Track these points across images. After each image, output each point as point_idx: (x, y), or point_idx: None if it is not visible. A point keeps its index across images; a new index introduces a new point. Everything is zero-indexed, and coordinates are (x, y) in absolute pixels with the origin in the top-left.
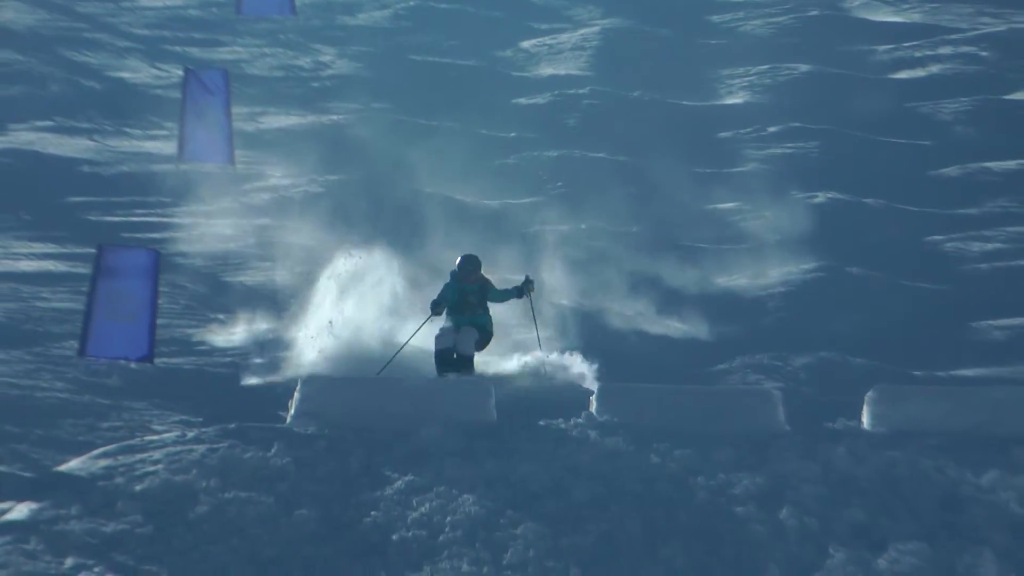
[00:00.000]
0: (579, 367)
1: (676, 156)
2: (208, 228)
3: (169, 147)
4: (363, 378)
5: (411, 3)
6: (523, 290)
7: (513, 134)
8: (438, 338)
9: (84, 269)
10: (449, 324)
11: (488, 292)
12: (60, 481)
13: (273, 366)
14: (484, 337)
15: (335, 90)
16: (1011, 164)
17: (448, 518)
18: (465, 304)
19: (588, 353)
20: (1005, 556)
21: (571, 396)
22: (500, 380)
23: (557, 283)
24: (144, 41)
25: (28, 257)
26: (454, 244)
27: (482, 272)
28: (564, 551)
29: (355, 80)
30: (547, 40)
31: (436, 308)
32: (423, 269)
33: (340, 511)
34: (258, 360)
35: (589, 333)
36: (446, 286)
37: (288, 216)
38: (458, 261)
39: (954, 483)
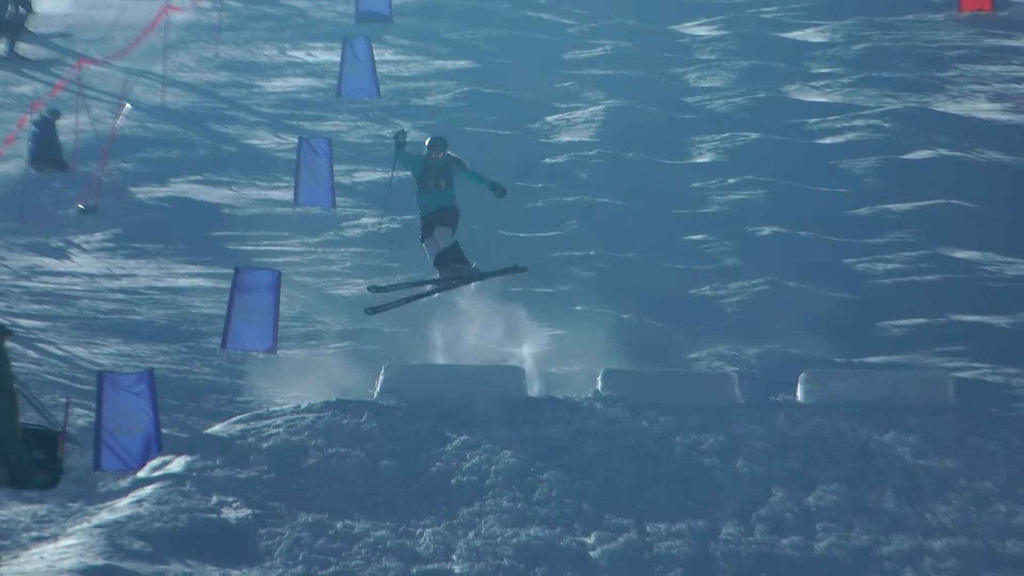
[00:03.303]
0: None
1: (660, 201)
2: (316, 255)
3: (287, 195)
4: (432, 365)
5: (465, 89)
6: (499, 191)
7: (540, 185)
8: (428, 249)
9: (224, 284)
10: (430, 237)
11: (453, 168)
12: (207, 441)
13: (365, 355)
14: (454, 215)
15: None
16: (906, 206)
17: (492, 467)
18: (428, 173)
19: (592, 342)
20: (902, 493)
21: (582, 377)
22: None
23: (571, 293)
24: (269, 117)
25: (184, 276)
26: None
27: (449, 152)
28: (578, 491)
29: (422, 146)
30: (565, 115)
31: (398, 137)
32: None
33: (413, 462)
34: (353, 350)
35: (593, 329)
36: (409, 158)
37: (375, 245)
38: (429, 141)
39: (864, 441)
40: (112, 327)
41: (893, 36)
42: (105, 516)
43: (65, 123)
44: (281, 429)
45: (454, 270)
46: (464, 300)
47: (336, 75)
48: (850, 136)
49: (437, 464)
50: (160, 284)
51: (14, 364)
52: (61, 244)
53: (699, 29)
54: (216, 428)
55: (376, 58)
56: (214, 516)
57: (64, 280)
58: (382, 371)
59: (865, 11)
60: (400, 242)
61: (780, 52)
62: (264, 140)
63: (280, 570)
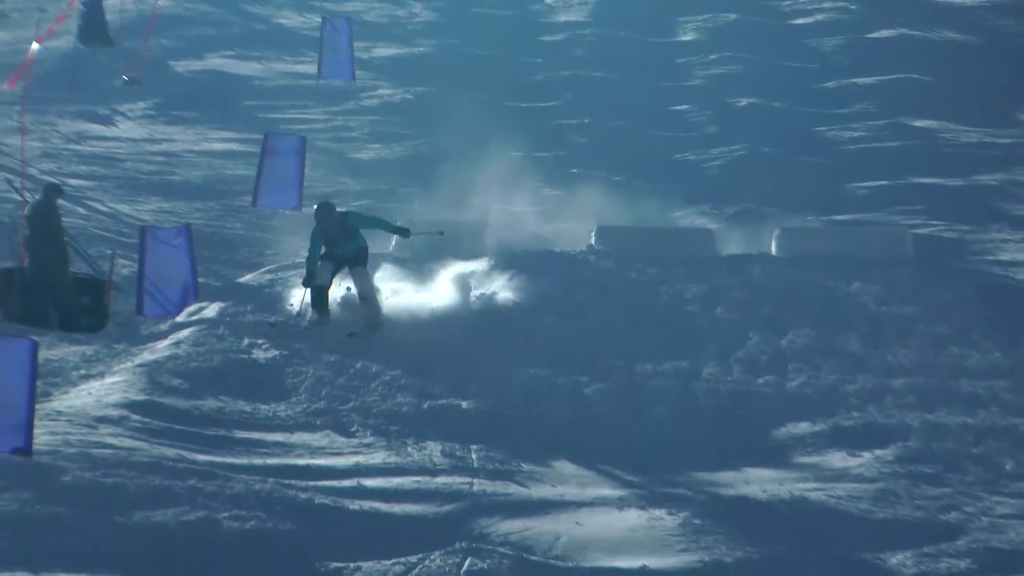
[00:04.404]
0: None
1: (648, 75)
2: (337, 122)
3: (311, 69)
4: (440, 220)
5: None
6: (403, 233)
7: (539, 60)
8: (318, 274)
9: (255, 149)
10: (327, 264)
11: (351, 220)
12: (239, 288)
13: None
14: (366, 255)
15: (422, 31)
16: (870, 80)
17: (496, 311)
18: (332, 240)
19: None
20: (866, 337)
21: (577, 233)
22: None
23: (567, 158)
24: None
25: (218, 141)
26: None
27: (339, 210)
28: (574, 335)
29: (435, 24)
30: None
31: (308, 283)
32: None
33: (419, 301)
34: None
35: (587, 189)
36: (312, 237)
37: (390, 115)
38: (315, 210)
39: (832, 290)
40: (153, 186)
41: None
42: (146, 356)
43: (111, 3)
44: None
45: (369, 325)
46: (467, 164)
47: None
48: (820, 17)
49: (445, 309)
50: (196, 148)
51: (65, 219)
52: (107, 112)
53: None
54: (247, 277)
55: None
56: (245, 356)
57: (110, 144)
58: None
59: None
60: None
61: None
62: (290, 19)
63: (304, 404)
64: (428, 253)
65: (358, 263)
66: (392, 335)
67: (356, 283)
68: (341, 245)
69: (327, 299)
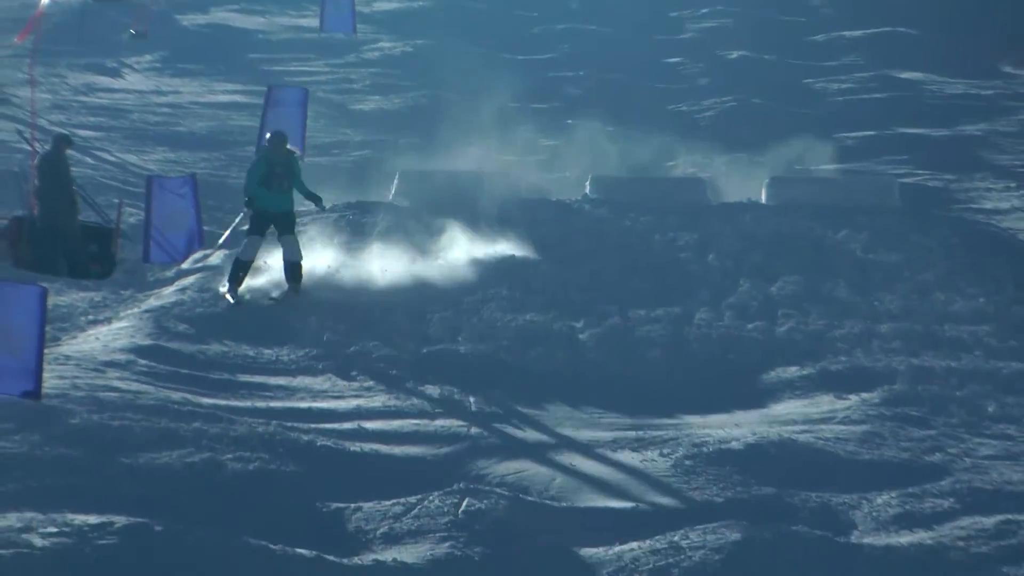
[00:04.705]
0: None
1: (641, 28)
2: (339, 75)
3: (313, 22)
4: (439, 170)
5: None
6: (316, 200)
7: (535, 14)
8: (244, 249)
9: (258, 100)
10: (255, 236)
11: (294, 167)
12: (243, 237)
13: (381, 162)
14: (292, 221)
15: None
16: (858, 33)
17: (494, 259)
18: (273, 175)
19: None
20: (853, 283)
21: (573, 182)
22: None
23: (564, 109)
24: None
25: (223, 92)
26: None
27: (290, 147)
28: (568, 281)
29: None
30: None
31: (249, 204)
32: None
33: (423, 255)
34: (371, 157)
35: (583, 139)
36: (255, 163)
37: (391, 67)
38: (268, 136)
39: (819, 238)
40: (160, 137)
41: None
42: (153, 302)
43: None
44: (308, 226)
45: (293, 290)
46: (466, 115)
47: None
48: None
49: (445, 257)
50: (202, 100)
51: (73, 169)
52: (115, 65)
53: None
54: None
55: None
56: (249, 302)
57: (117, 96)
58: (396, 176)
59: None
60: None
61: None
62: None
63: (306, 349)
64: (427, 202)
65: (287, 230)
66: (392, 283)
67: (285, 252)
68: (278, 185)
69: (244, 278)
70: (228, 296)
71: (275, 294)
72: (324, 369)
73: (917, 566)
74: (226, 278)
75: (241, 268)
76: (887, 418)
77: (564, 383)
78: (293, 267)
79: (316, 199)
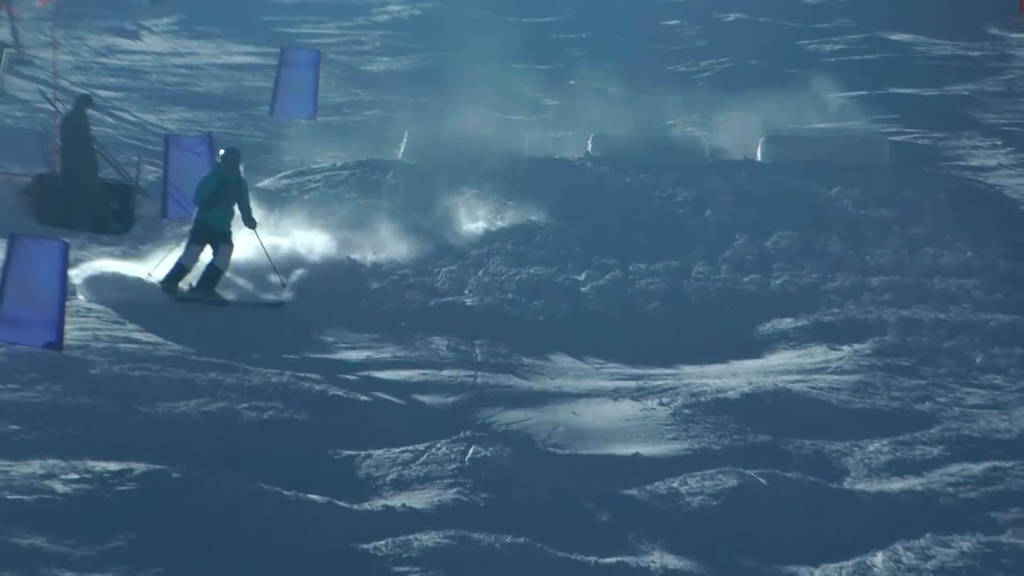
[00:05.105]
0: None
1: None
2: (350, 36)
3: None
4: (446, 129)
5: None
6: (250, 224)
7: None
8: (185, 255)
9: (272, 62)
10: (199, 247)
11: (242, 188)
12: (258, 193)
13: (391, 121)
14: (231, 235)
15: None
16: None
17: (499, 214)
18: (222, 193)
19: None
20: (845, 238)
21: (575, 141)
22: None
23: (566, 70)
24: None
25: (238, 54)
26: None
27: (240, 168)
28: (571, 236)
29: None
30: None
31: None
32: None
33: (431, 212)
34: (381, 116)
35: (585, 100)
36: (206, 177)
37: (400, 30)
38: (222, 153)
39: (813, 194)
40: (177, 97)
41: None
42: (171, 257)
43: None
44: (320, 183)
45: (212, 293)
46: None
47: None
48: None
49: (452, 213)
50: (218, 61)
51: (94, 128)
52: (134, 27)
53: None
54: (266, 182)
55: None
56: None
57: (136, 57)
58: (405, 135)
59: None
60: None
61: None
62: None
63: (318, 303)
64: (435, 160)
65: (224, 240)
66: (401, 236)
67: (216, 257)
68: (224, 203)
69: (181, 279)
70: (165, 291)
71: (185, 288)
72: (336, 321)
73: (907, 511)
74: (165, 275)
75: (182, 272)
76: (878, 368)
77: (567, 334)
78: (215, 273)
79: (252, 224)
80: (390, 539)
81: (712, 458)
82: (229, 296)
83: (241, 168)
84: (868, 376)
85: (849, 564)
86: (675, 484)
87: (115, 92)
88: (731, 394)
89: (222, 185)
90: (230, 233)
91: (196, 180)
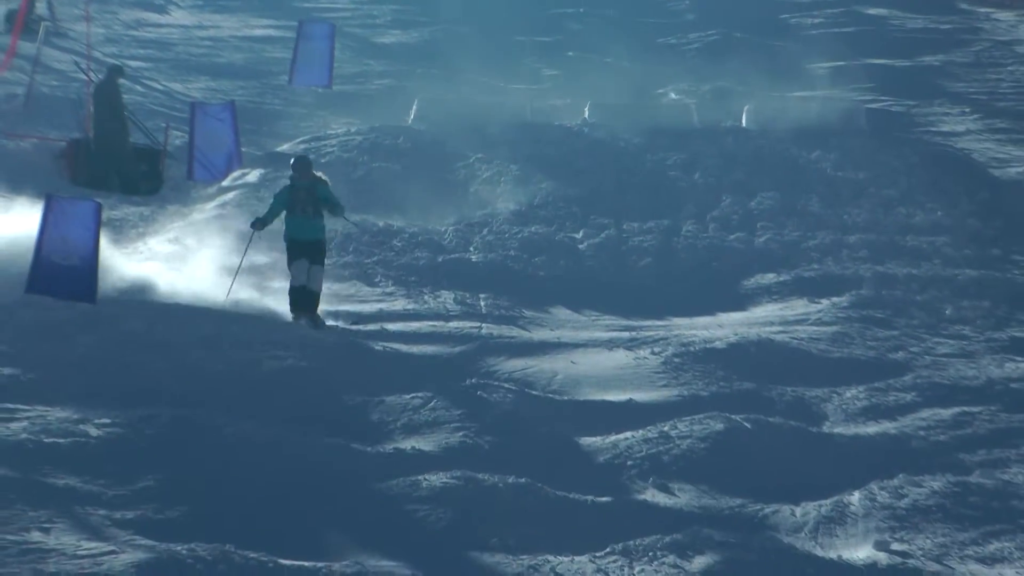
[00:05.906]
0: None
1: None
2: (363, 10)
3: None
4: (453, 97)
5: None
6: (344, 217)
7: None
8: (293, 276)
9: (291, 34)
10: (302, 261)
11: (319, 189)
12: (277, 157)
13: (401, 89)
14: (320, 250)
15: None
16: None
17: (502, 179)
18: (296, 200)
19: (580, 80)
20: (824, 198)
21: (573, 108)
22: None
23: (564, 42)
24: None
25: (258, 27)
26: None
27: (316, 173)
28: (569, 197)
29: None
30: None
31: (255, 224)
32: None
33: (439, 174)
34: (392, 85)
35: (582, 70)
36: (278, 196)
37: (410, 3)
38: (291, 162)
39: (794, 158)
40: (202, 67)
41: None
42: (196, 216)
43: None
44: (336, 148)
45: (302, 316)
46: (477, 47)
47: None
48: None
49: (458, 176)
50: (239, 34)
51: (125, 96)
52: (162, 2)
53: None
54: (284, 147)
55: None
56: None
57: (164, 30)
58: (415, 102)
59: None
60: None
61: None
62: None
63: (334, 257)
64: (442, 126)
65: (316, 260)
66: (412, 197)
67: (310, 283)
68: (299, 210)
69: (301, 298)
70: (296, 320)
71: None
72: (350, 276)
73: (882, 453)
74: (289, 304)
75: (297, 293)
76: (855, 320)
77: (565, 288)
78: (312, 298)
79: (341, 212)
80: (401, 479)
81: (700, 403)
82: (330, 322)
83: (320, 173)
84: (845, 327)
85: (827, 502)
86: (666, 428)
87: (144, 63)
88: (718, 344)
89: (294, 194)
90: (322, 242)
91: (219, 145)
